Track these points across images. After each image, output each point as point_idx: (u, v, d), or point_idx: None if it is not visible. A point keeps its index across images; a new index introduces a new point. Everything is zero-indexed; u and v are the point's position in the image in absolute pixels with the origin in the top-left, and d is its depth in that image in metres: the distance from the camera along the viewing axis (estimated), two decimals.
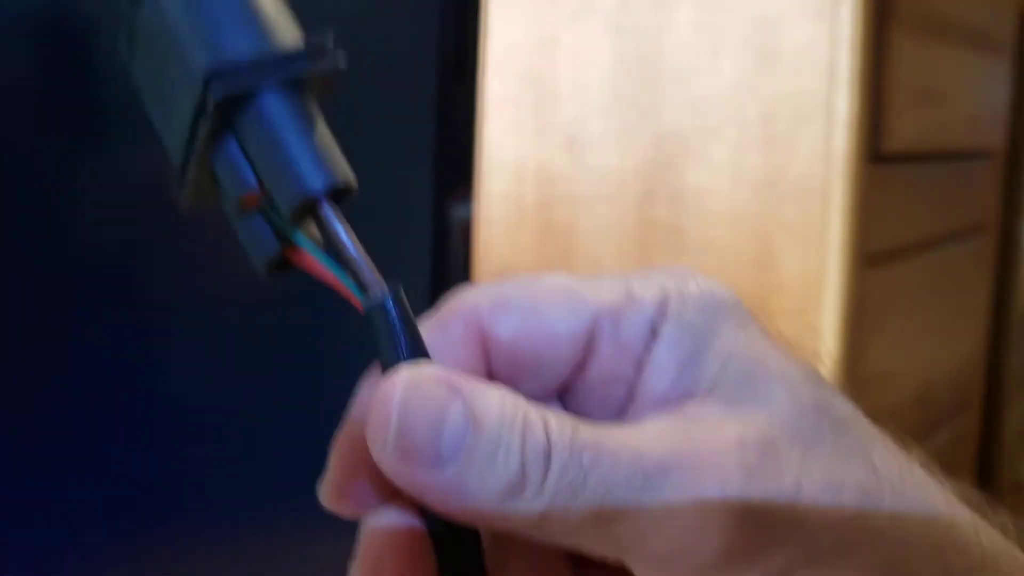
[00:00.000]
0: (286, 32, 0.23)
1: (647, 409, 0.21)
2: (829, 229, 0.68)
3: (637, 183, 0.81)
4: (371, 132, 0.51)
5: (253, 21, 0.23)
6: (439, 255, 0.57)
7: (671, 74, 0.77)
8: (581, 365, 0.22)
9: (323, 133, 0.23)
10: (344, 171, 0.22)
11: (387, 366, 0.21)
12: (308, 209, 0.22)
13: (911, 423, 0.91)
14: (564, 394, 0.23)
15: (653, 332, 0.22)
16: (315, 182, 0.22)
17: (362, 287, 0.22)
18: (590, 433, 0.20)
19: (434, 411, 0.19)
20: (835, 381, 0.68)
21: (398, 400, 0.19)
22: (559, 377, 0.23)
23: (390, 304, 0.21)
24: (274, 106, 0.22)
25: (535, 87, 0.88)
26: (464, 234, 0.57)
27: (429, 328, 0.22)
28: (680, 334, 0.22)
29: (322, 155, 0.22)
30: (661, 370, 0.22)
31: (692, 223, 0.77)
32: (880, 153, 0.68)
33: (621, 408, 0.22)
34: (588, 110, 0.84)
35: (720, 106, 0.74)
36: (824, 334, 0.70)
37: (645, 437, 0.20)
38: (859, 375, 0.75)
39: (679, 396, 0.21)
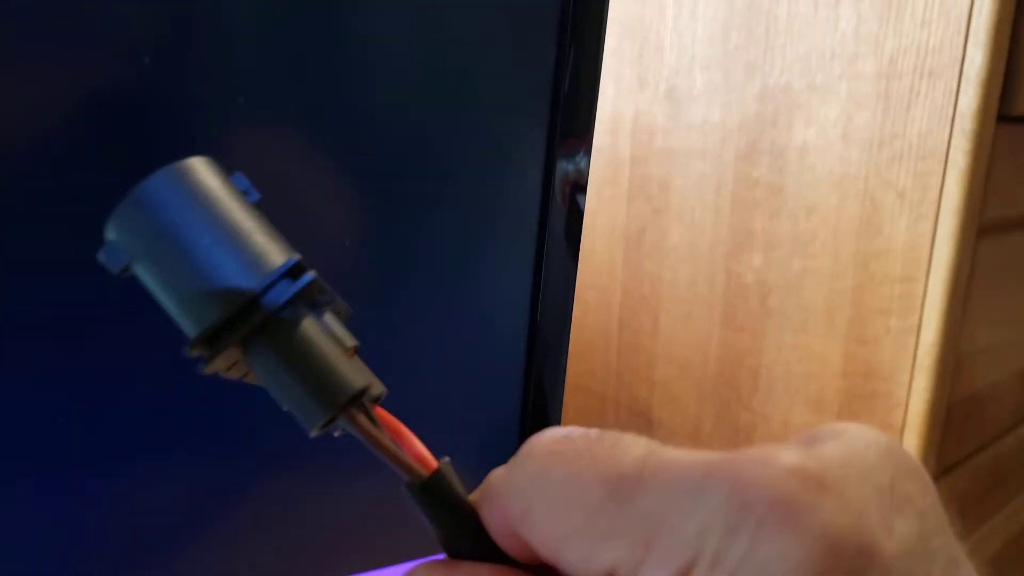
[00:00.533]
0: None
1: None
2: (946, 193, 0.64)
3: (738, 139, 0.79)
4: (487, 85, 0.50)
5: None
6: (545, 212, 0.55)
7: (783, 26, 0.74)
8: None
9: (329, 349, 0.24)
10: (356, 380, 0.24)
11: (437, 538, 0.24)
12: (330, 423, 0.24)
13: (1014, 402, 0.87)
14: None
15: None
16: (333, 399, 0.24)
17: (405, 470, 0.24)
18: None
19: None
20: (936, 357, 0.64)
21: None
22: None
23: (424, 490, 0.24)
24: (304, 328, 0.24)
25: (638, 37, 0.86)
26: (570, 189, 0.55)
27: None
28: None
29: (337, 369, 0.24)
30: None
31: (794, 183, 0.75)
32: (1009, 114, 0.64)
33: None
34: (692, 62, 0.82)
35: (835, 61, 0.71)
36: (928, 305, 0.67)
37: None
38: (963, 350, 0.72)
39: None
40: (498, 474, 0.23)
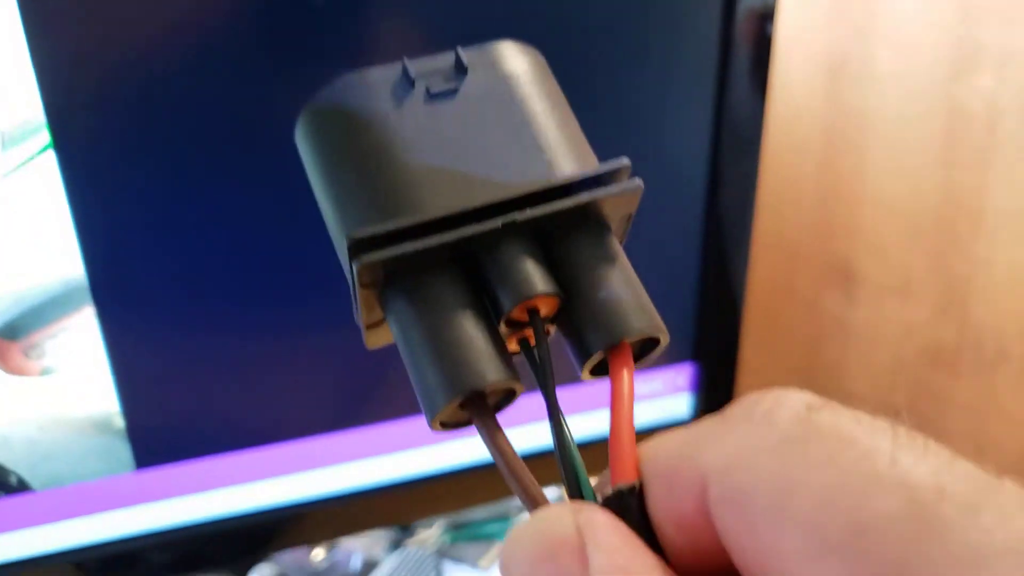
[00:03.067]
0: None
1: None
2: None
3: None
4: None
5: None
6: (727, 45, 0.48)
7: None
8: None
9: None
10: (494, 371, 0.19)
11: None
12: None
13: None
14: None
15: None
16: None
17: (571, 488, 0.18)
18: None
19: None
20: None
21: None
22: None
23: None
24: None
25: None
26: (757, 19, 0.47)
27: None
28: None
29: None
30: None
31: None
32: None
33: None
34: None
35: None
36: None
37: None
38: None
39: None
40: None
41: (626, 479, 0.17)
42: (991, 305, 0.71)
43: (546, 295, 0.19)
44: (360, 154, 0.20)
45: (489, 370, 0.18)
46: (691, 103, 0.46)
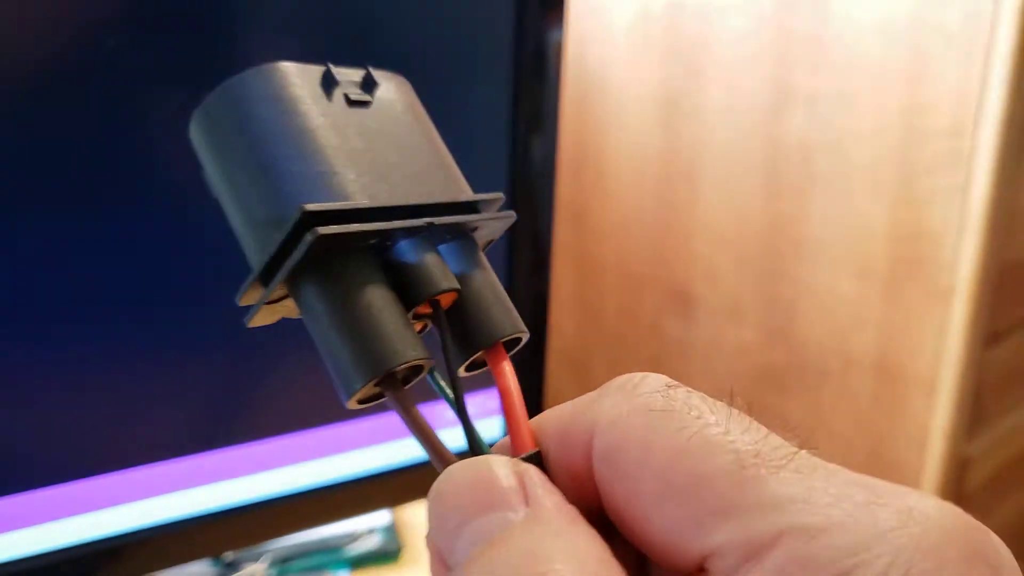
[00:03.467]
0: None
1: None
2: (998, 32, 0.58)
3: None
4: None
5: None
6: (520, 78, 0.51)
7: None
8: None
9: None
10: (409, 349, 0.20)
11: None
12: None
13: None
14: None
15: None
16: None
17: (476, 449, 0.21)
18: None
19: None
20: (987, 216, 0.58)
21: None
22: None
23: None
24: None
25: None
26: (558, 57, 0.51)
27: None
28: None
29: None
30: None
31: (835, 33, 0.68)
32: None
33: None
34: None
35: None
36: (978, 160, 0.61)
37: None
38: (1019, 207, 0.66)
39: None
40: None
41: (526, 449, 0.20)
42: (814, 327, 0.76)
43: (451, 291, 0.22)
44: (293, 135, 0.21)
45: (409, 349, 0.20)
46: (486, 145, 0.49)
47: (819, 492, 0.16)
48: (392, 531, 0.64)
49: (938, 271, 0.65)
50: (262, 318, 0.22)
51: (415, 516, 0.66)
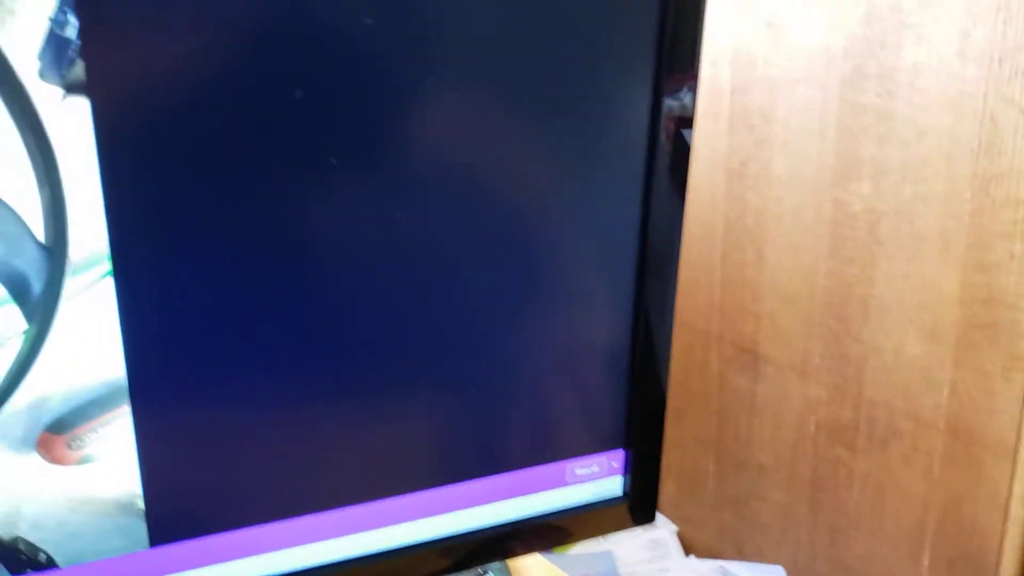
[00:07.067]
0: None
1: None
2: None
3: (843, 64, 0.76)
4: (592, 22, 0.49)
5: None
6: (652, 149, 0.55)
7: None
8: None
9: None
10: None
11: None
12: None
13: None
14: None
15: None
16: None
17: None
18: None
19: None
20: None
21: None
22: None
23: None
24: None
25: None
26: (675, 125, 0.54)
27: None
28: None
29: None
30: None
31: (904, 106, 0.72)
32: None
33: None
34: None
35: None
36: None
37: None
38: None
39: None
40: None
41: None
42: (881, 386, 0.79)
43: None
44: None
45: None
46: (620, 201, 0.53)
47: None
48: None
49: (1016, 336, 0.68)
50: None
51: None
